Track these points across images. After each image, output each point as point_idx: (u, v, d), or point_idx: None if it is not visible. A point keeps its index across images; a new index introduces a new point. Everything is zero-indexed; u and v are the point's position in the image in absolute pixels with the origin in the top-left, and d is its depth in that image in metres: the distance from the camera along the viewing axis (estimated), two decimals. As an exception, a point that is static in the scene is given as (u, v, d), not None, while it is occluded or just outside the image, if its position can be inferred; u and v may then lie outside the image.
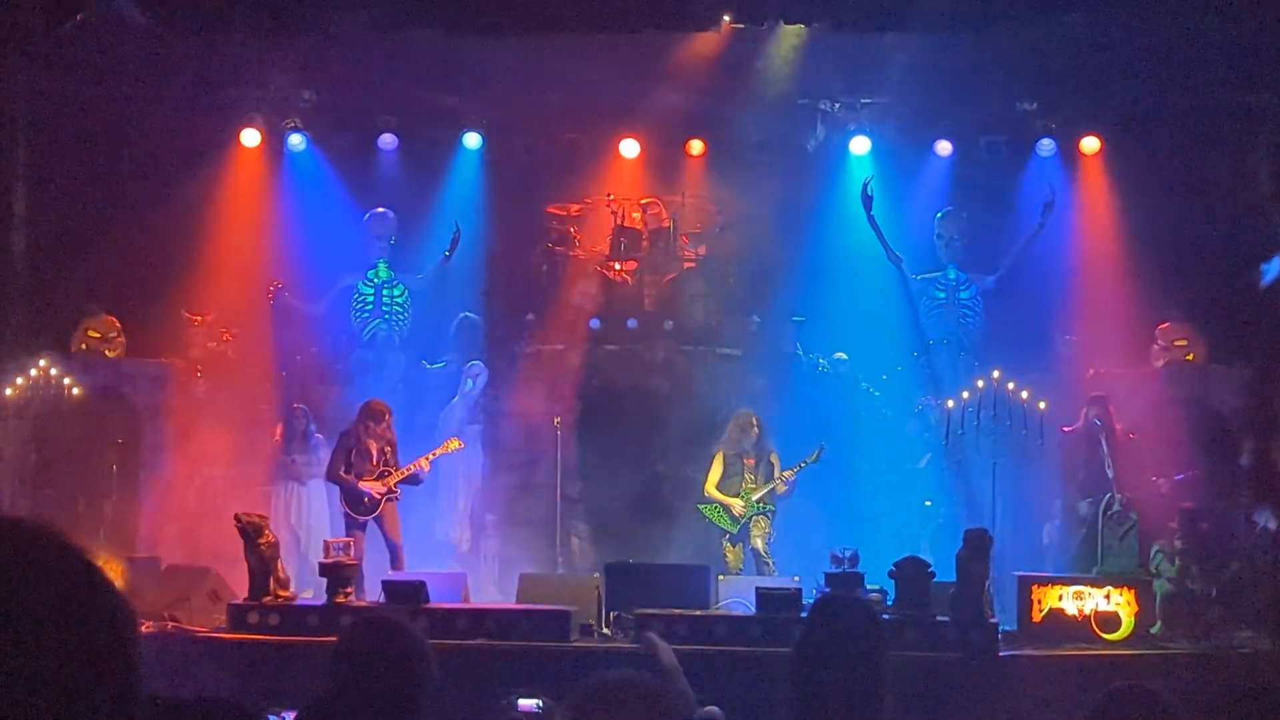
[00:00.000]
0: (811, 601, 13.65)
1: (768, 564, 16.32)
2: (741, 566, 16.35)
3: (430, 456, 16.51)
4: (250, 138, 19.05)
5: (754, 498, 16.48)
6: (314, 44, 18.56)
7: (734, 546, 16.53)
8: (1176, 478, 16.51)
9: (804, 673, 4.65)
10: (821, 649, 4.69)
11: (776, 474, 16.56)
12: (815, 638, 4.76)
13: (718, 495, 16.57)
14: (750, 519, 16.48)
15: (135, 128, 18.56)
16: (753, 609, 14.28)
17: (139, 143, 18.58)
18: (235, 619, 14.42)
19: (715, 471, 16.66)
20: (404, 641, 4.78)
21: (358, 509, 15.98)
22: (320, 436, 17.53)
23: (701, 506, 16.75)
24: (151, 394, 18.35)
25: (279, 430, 17.81)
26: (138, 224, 18.18)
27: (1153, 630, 14.94)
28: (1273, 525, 15.64)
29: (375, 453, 16.06)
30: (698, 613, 14.45)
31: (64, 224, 18.26)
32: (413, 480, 16.25)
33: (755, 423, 16.63)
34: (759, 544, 16.40)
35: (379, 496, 15.94)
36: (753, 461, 16.61)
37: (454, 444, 16.82)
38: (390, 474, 16.02)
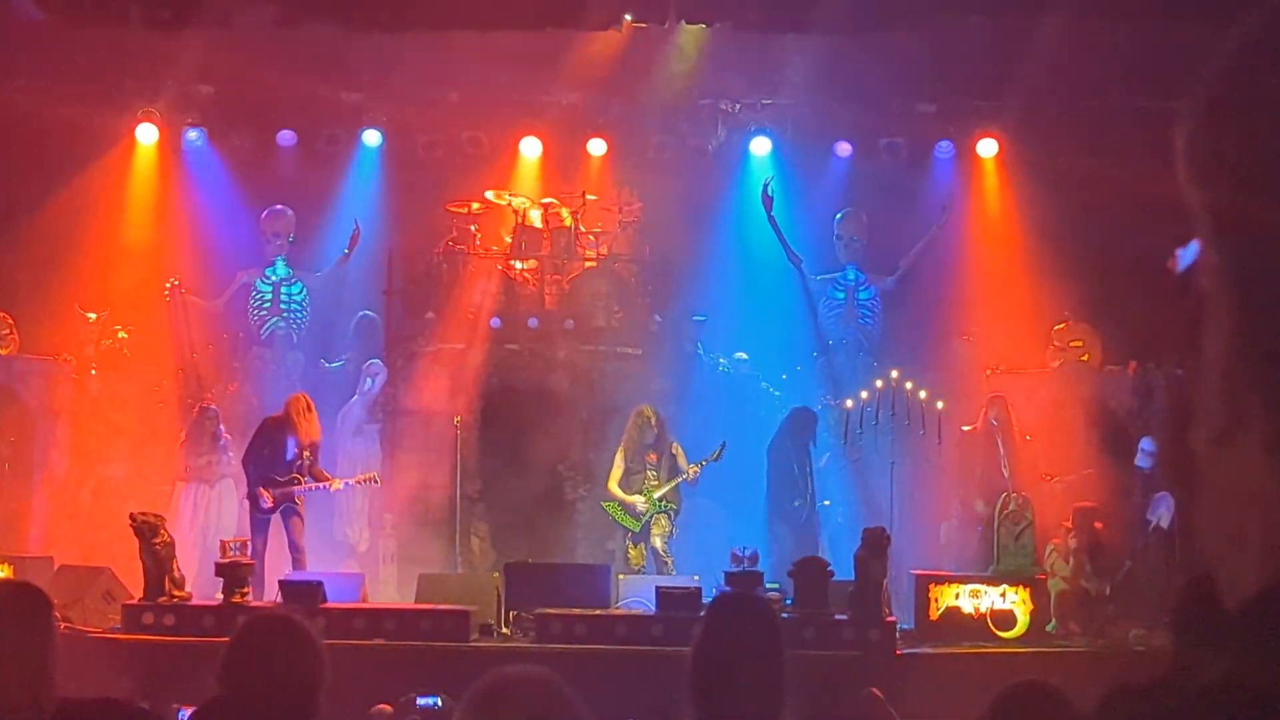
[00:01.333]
0: (709, 600, 13.72)
1: (666, 563, 16.33)
2: (644, 564, 16.36)
3: (345, 482, 16.40)
4: (147, 133, 18.86)
5: (656, 495, 16.46)
6: (212, 39, 18.38)
7: (636, 546, 16.52)
8: (1071, 477, 16.70)
9: (702, 672, 4.64)
10: (719, 648, 4.68)
11: (681, 463, 16.55)
12: (713, 636, 4.75)
13: (619, 494, 16.54)
14: (651, 517, 16.46)
15: (30, 122, 18.30)
16: (653, 608, 14.29)
17: (33, 137, 18.31)
18: (130, 619, 14.28)
19: (617, 469, 16.62)
20: (297, 639, 4.74)
21: (256, 507, 15.82)
22: (229, 437, 17.36)
23: (605, 505, 16.73)
24: (45, 391, 18.10)
25: (185, 430, 17.58)
26: (31, 219, 17.94)
27: (1048, 628, 15.11)
28: (1165, 524, 15.86)
29: (292, 451, 15.87)
30: (597, 612, 14.46)
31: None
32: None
33: (655, 419, 16.61)
34: (658, 543, 16.40)
35: (271, 506, 15.75)
36: (655, 457, 16.58)
37: (373, 478, 16.71)
38: (299, 482, 15.84)
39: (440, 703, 11.41)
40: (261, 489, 15.72)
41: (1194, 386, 1.30)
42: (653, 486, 16.47)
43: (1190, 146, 1.28)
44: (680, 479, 16.52)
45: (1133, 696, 1.30)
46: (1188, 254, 1.32)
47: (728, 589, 13.87)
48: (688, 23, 18.37)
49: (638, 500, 16.46)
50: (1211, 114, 1.26)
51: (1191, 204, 1.28)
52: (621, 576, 15.53)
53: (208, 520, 17.26)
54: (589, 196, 18.65)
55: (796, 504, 16.70)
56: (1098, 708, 1.33)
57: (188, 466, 17.43)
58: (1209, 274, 1.28)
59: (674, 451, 16.64)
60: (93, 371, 18.15)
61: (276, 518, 15.83)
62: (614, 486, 16.59)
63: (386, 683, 12.24)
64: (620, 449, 16.70)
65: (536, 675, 3.98)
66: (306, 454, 15.93)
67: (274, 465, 15.84)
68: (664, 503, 16.49)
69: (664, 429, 16.67)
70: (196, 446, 17.42)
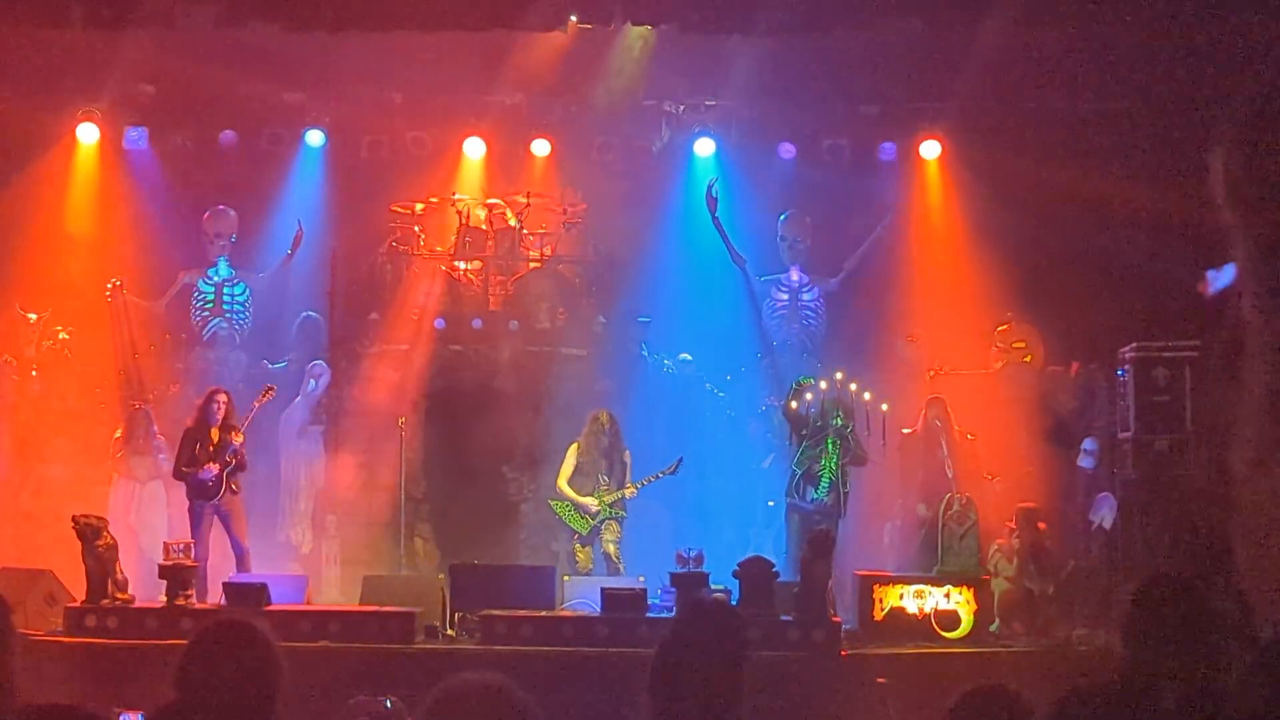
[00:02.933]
0: (675, 603, 13.82)
1: (619, 569, 16.28)
2: (592, 567, 16.32)
3: (253, 407, 16.27)
4: (88, 133, 18.74)
5: (607, 500, 16.40)
6: (154, 39, 18.25)
7: (584, 548, 16.45)
8: (1013, 477, 16.79)
9: (664, 675, 4.64)
10: (686, 651, 4.68)
11: (627, 476, 16.49)
12: (682, 639, 4.74)
13: (569, 492, 16.44)
14: (603, 522, 16.40)
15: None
16: (598, 609, 14.29)
17: (-29, 137, 18.21)
18: (72, 622, 14.19)
19: (568, 465, 16.49)
20: (256, 645, 4.72)
21: (204, 494, 15.64)
22: (162, 439, 17.23)
23: (554, 503, 16.61)
24: (-15, 393, 17.97)
25: (120, 430, 17.48)
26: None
27: (991, 628, 15.18)
28: (1106, 525, 15.98)
29: (222, 439, 15.80)
30: (543, 613, 14.43)
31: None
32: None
33: (609, 425, 16.51)
34: (610, 548, 16.33)
35: (220, 470, 15.63)
36: (607, 464, 16.52)
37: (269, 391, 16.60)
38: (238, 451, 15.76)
39: (389, 704, 11.38)
40: (202, 464, 15.64)
41: (1232, 411, 1.32)
42: (602, 491, 16.43)
43: (1227, 170, 1.29)
44: (623, 492, 16.43)
45: (1087, 699, 1.31)
46: (1222, 277, 1.34)
47: (677, 590, 14.00)
48: (633, 24, 18.36)
49: (590, 502, 16.38)
50: (1248, 139, 1.28)
51: (1229, 227, 1.30)
52: (567, 578, 15.51)
53: (139, 519, 17.13)
54: (532, 197, 18.64)
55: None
56: (1054, 712, 1.34)
57: (120, 463, 17.31)
58: (1250, 300, 1.29)
59: (625, 460, 16.59)
60: (34, 372, 18.03)
61: (218, 520, 15.74)
62: (564, 484, 16.48)
63: (331, 685, 12.20)
64: (574, 447, 16.58)
65: (491, 682, 3.98)
66: (236, 437, 15.84)
67: (210, 458, 15.76)
68: (614, 509, 16.45)
69: (618, 436, 16.60)
70: (131, 444, 17.32)
